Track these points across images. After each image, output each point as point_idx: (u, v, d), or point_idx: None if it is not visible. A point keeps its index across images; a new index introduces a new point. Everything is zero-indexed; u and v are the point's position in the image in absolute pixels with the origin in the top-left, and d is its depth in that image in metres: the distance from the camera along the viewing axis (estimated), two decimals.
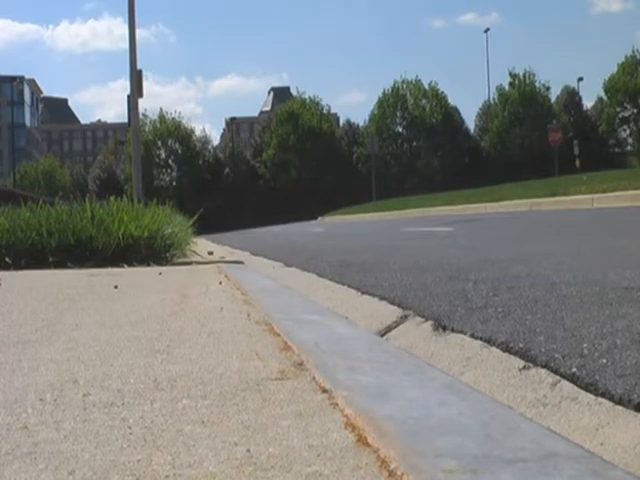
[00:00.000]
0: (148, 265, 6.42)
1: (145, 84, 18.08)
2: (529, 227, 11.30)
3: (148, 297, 3.71)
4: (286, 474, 1.16)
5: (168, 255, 6.98)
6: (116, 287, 4.16)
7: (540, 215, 15.38)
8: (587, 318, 2.59)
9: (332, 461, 1.21)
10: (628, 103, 54.84)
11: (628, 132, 57.00)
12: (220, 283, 4.38)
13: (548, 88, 58.12)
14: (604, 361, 1.99)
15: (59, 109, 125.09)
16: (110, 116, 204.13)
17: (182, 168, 59.66)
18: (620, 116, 55.68)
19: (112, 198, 7.45)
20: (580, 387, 1.85)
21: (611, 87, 54.88)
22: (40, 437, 1.36)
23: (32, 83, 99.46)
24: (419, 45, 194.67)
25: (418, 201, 31.16)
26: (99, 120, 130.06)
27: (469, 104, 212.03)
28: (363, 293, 3.92)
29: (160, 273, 5.23)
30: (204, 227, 14.77)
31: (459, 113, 61.08)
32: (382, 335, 2.95)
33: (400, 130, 60.17)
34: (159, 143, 60.51)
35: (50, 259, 6.36)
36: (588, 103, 64.15)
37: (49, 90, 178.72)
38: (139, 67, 17.80)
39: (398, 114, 59.85)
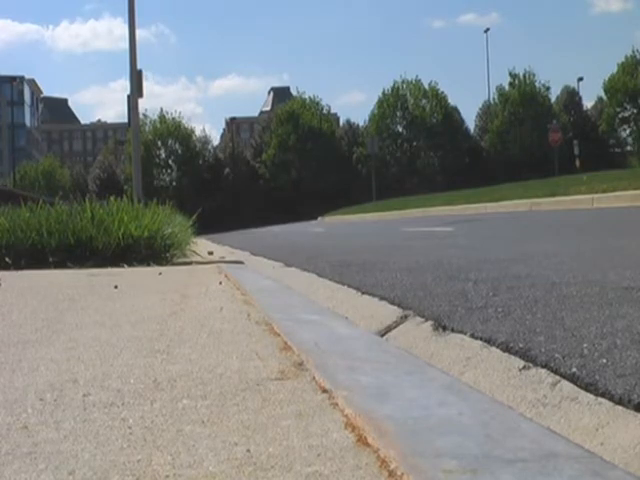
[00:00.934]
0: (148, 265, 6.42)
1: (145, 84, 18.10)
2: (529, 227, 11.30)
3: (148, 297, 3.71)
4: (286, 474, 1.16)
5: (168, 255, 6.98)
6: (116, 287, 4.16)
7: (540, 215, 15.38)
8: (587, 318, 2.59)
9: (332, 461, 1.20)
10: (628, 103, 54.79)
11: (628, 132, 56.97)
12: (220, 283, 4.38)
13: (548, 88, 58.18)
14: (604, 361, 1.99)
15: (59, 109, 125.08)
16: (110, 116, 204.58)
17: (182, 168, 59.61)
18: (620, 116, 55.63)
19: (112, 198, 7.45)
20: (580, 387, 1.85)
21: (611, 87, 54.84)
22: (40, 437, 1.36)
23: (32, 83, 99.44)
24: (419, 45, 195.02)
25: (418, 201, 31.18)
26: (99, 120, 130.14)
27: (469, 104, 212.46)
28: (363, 293, 3.92)
29: (160, 273, 5.23)
30: (204, 227, 14.79)
31: (459, 113, 61.11)
32: (382, 335, 2.95)
33: (400, 130, 60.14)
34: (159, 143, 60.49)
35: (50, 259, 6.35)
36: (588, 103, 64.35)
37: (49, 90, 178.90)
38: (139, 67, 17.82)
39: (398, 114, 59.83)
